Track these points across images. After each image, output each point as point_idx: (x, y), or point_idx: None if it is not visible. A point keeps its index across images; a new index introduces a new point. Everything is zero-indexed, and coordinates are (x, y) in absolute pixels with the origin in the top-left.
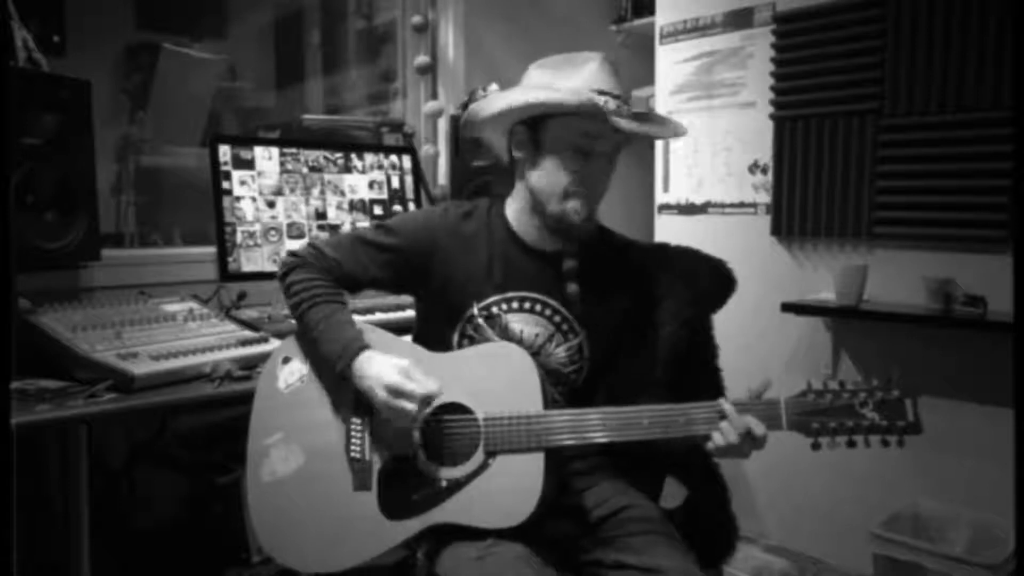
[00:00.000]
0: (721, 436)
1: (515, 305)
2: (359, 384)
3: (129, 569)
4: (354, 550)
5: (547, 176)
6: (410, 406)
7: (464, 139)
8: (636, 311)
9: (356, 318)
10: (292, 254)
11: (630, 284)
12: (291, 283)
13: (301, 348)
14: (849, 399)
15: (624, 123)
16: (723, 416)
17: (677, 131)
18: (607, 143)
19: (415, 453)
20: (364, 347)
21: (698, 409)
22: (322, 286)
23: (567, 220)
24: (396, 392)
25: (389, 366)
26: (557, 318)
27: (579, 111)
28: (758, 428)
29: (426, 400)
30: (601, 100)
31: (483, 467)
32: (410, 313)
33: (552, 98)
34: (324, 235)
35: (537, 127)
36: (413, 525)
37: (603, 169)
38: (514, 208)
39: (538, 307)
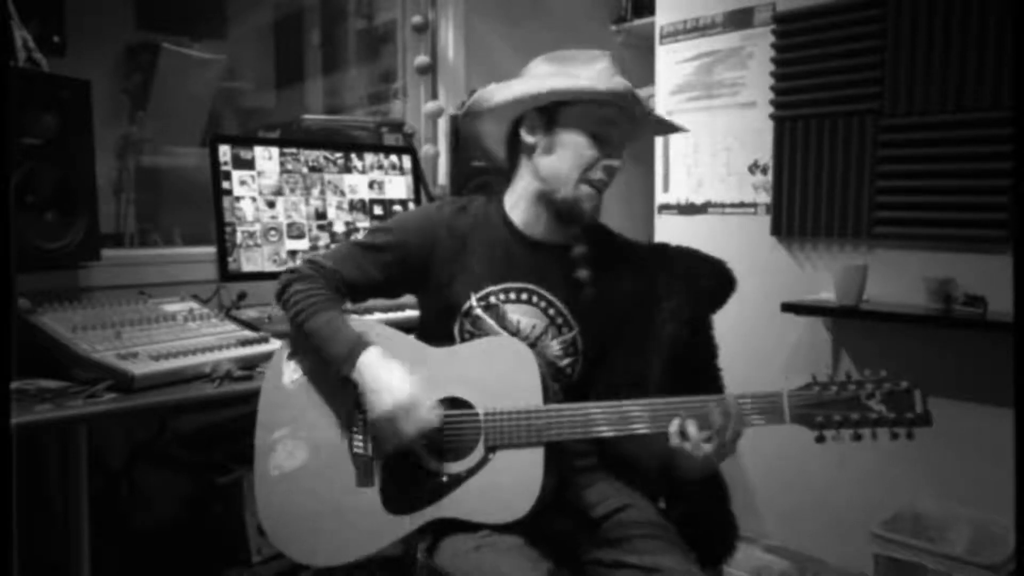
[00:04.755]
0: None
1: (512, 296)
2: (363, 386)
3: (129, 569)
4: (357, 544)
5: (562, 161)
6: (409, 430)
7: (463, 135)
8: (635, 308)
9: (355, 317)
10: (291, 271)
11: (629, 282)
12: (289, 295)
13: (304, 346)
14: (855, 391)
15: (652, 111)
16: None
17: (681, 127)
18: (622, 133)
19: (416, 448)
20: (367, 346)
21: (699, 402)
22: (320, 294)
23: (579, 206)
24: (405, 410)
25: (401, 380)
26: (552, 311)
27: (609, 97)
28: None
29: (423, 434)
30: (623, 87)
31: (483, 462)
32: (409, 313)
33: (580, 85)
34: (324, 239)
35: (552, 113)
36: (414, 520)
37: (617, 159)
38: (514, 199)
39: (535, 299)
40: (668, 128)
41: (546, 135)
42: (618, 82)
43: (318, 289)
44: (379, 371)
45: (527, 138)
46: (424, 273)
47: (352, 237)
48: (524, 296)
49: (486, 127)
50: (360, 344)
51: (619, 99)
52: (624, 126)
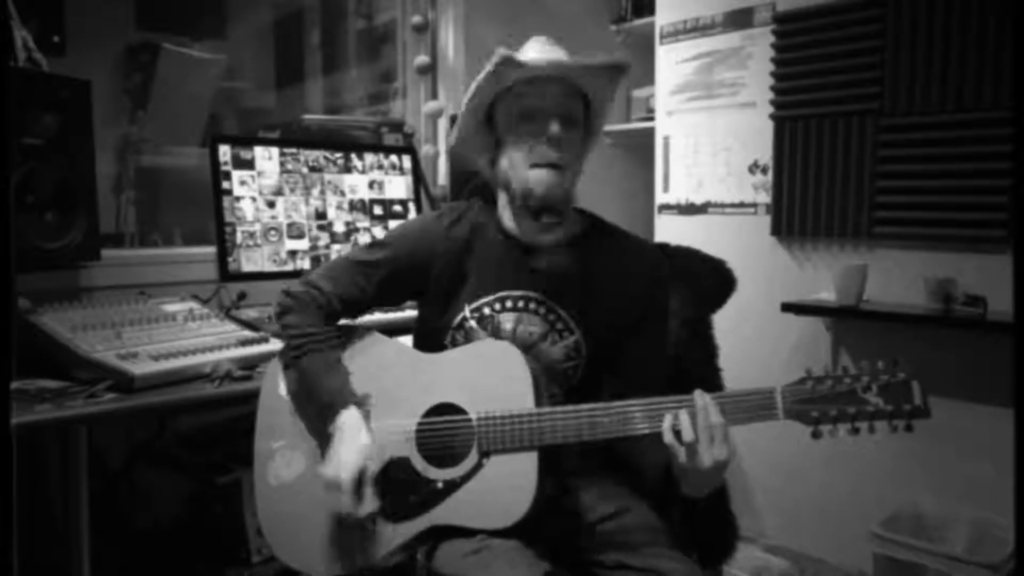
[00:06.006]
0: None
1: (508, 304)
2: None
3: (129, 569)
4: (355, 553)
5: (508, 156)
6: (344, 499)
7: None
8: (639, 309)
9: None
10: (288, 294)
11: (628, 279)
12: (284, 326)
13: None
14: (851, 384)
15: (526, 58)
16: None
17: (621, 62)
18: (551, 101)
19: (411, 456)
20: (345, 406)
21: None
22: (312, 333)
23: (532, 192)
24: (335, 487)
25: (355, 456)
26: (552, 316)
27: (494, 71)
28: (718, 422)
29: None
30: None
31: (477, 467)
32: (408, 313)
33: (474, 83)
34: (324, 239)
35: (491, 123)
36: (411, 527)
37: (558, 132)
38: (501, 207)
39: (532, 305)
40: (612, 70)
41: (493, 143)
42: (496, 57)
43: (311, 324)
44: (340, 442)
45: (492, 154)
46: (422, 286)
47: (349, 252)
48: (521, 304)
49: (479, 165)
50: (338, 403)
51: (500, 66)
52: (550, 94)
